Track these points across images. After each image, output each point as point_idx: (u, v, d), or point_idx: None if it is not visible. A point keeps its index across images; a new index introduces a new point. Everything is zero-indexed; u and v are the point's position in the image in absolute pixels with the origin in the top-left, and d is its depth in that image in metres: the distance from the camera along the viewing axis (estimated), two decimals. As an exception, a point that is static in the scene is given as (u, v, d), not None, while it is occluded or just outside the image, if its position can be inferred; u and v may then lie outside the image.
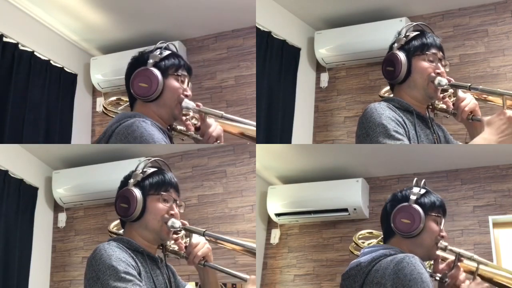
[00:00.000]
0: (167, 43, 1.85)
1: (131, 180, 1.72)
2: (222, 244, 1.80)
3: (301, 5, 3.54)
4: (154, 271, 1.67)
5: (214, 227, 3.51)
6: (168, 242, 1.78)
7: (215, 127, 1.81)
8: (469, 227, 3.38)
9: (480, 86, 1.82)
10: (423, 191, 1.77)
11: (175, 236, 1.75)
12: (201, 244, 1.75)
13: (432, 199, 1.76)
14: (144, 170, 1.74)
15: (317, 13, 3.63)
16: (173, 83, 1.77)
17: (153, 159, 1.79)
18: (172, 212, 1.70)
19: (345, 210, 3.60)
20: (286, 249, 3.88)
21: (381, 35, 3.45)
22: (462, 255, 1.82)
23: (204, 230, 1.76)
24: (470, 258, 1.84)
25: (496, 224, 3.39)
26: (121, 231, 1.94)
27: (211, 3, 3.28)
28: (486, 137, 1.71)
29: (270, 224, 3.94)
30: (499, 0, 3.35)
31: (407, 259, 1.56)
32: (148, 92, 1.73)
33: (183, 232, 1.76)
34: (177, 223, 1.69)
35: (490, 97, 1.83)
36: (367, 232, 2.40)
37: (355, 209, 3.57)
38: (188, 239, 1.77)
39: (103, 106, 2.32)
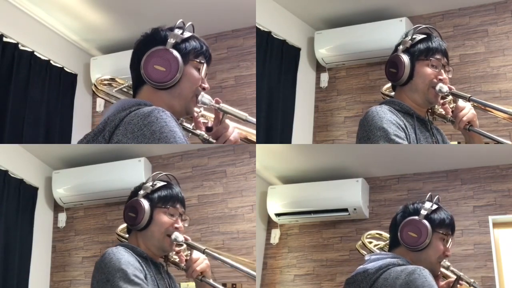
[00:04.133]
0: (189, 23, 1.59)
1: (141, 192, 1.75)
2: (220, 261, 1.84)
3: (301, 5, 3.54)
4: (158, 276, 1.72)
5: (214, 227, 3.51)
6: (170, 253, 1.83)
7: (232, 129, 1.60)
8: (469, 227, 3.38)
9: (480, 100, 1.80)
10: (435, 207, 1.78)
11: (177, 248, 1.80)
12: (200, 259, 1.80)
13: (442, 216, 1.78)
14: (154, 183, 1.77)
15: (317, 13, 3.63)
16: (193, 71, 1.55)
17: (163, 173, 1.82)
18: (176, 225, 1.74)
19: (345, 210, 3.60)
20: (286, 249, 3.88)
21: (381, 35, 3.45)
22: (462, 278, 1.87)
23: (204, 248, 1.81)
24: (469, 284, 1.88)
25: (496, 224, 3.39)
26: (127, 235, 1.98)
27: (211, 3, 3.29)
28: None
29: (270, 224, 3.94)
30: (499, 0, 3.35)
31: (418, 271, 1.58)
32: (164, 78, 1.49)
33: (185, 245, 1.80)
34: (180, 237, 1.73)
35: (489, 109, 1.82)
36: (376, 233, 2.38)
37: (355, 209, 3.57)
38: (189, 252, 1.82)
39: (94, 85, 2.02)
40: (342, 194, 3.60)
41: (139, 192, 1.77)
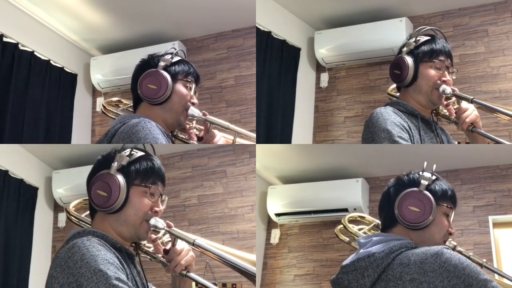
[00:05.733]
0: (178, 50, 1.85)
1: (115, 164, 1.47)
2: (210, 256, 1.54)
3: (301, 5, 3.54)
4: (133, 270, 1.45)
5: (214, 227, 3.51)
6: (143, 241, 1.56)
7: (219, 137, 1.80)
8: (469, 227, 3.38)
9: (483, 102, 1.82)
10: (434, 177, 1.56)
11: (153, 236, 1.53)
12: (185, 251, 1.51)
13: (444, 188, 1.55)
14: (131, 152, 1.50)
15: (317, 13, 3.63)
16: (182, 88, 1.77)
17: (141, 143, 1.56)
18: (156, 209, 1.48)
19: (345, 210, 3.59)
20: (286, 249, 3.88)
21: (381, 35, 3.45)
22: (472, 259, 1.73)
23: (194, 239, 1.52)
24: (481, 265, 1.76)
25: (496, 224, 3.39)
26: (83, 215, 1.79)
27: (211, 3, 3.28)
28: None
29: (270, 224, 3.94)
30: (499, 0, 3.35)
31: (445, 250, 1.35)
32: (156, 95, 1.72)
33: (162, 231, 1.52)
34: (160, 222, 1.46)
35: (492, 110, 1.84)
36: (359, 216, 2.16)
37: (355, 209, 3.56)
38: (163, 238, 1.57)
39: (103, 105, 2.28)
40: (342, 194, 3.60)
41: (112, 164, 1.47)
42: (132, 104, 2.03)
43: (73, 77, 3.73)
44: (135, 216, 1.46)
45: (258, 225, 3.78)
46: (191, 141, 1.83)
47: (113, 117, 2.23)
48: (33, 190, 3.68)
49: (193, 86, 1.80)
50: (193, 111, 1.77)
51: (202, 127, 1.83)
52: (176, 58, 1.80)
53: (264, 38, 3.41)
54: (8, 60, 3.15)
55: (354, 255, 1.47)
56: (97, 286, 1.25)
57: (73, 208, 1.82)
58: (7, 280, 3.33)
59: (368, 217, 2.10)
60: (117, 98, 2.30)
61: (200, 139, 1.82)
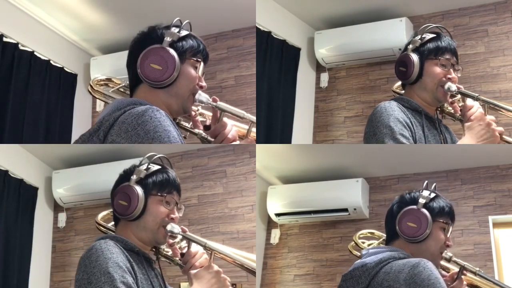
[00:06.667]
0: (186, 22, 1.58)
1: (134, 177, 1.58)
2: (221, 257, 1.66)
3: (301, 5, 3.54)
4: (150, 273, 1.56)
5: (214, 227, 3.51)
6: (162, 246, 1.67)
7: (230, 127, 1.61)
8: (469, 227, 3.38)
9: (488, 99, 1.83)
10: (432, 195, 1.72)
11: (171, 241, 1.64)
12: (199, 254, 1.65)
13: (442, 205, 1.71)
14: (149, 166, 1.60)
15: (317, 13, 3.63)
16: (190, 69, 1.54)
17: (158, 155, 1.63)
18: (172, 216, 1.58)
19: (345, 210, 3.60)
20: (286, 249, 3.88)
21: (381, 35, 3.46)
22: (466, 268, 1.79)
23: (206, 242, 1.64)
24: (474, 273, 1.80)
25: (496, 224, 3.39)
26: (109, 224, 1.85)
27: (211, 3, 3.29)
28: (465, 142, 1.75)
29: (270, 224, 3.94)
30: (499, 0, 3.35)
31: (422, 263, 1.50)
32: (161, 77, 1.48)
33: (179, 237, 1.63)
34: (176, 228, 1.57)
35: (497, 108, 1.84)
36: (369, 232, 2.30)
37: (355, 209, 3.57)
38: (181, 243, 1.68)
39: (90, 85, 1.93)
40: (342, 194, 3.60)
41: (131, 177, 1.59)
42: (124, 85, 1.85)
43: (73, 77, 3.73)
44: (153, 222, 1.56)
45: (258, 225, 3.78)
46: (198, 131, 1.64)
47: (102, 98, 1.94)
48: (33, 190, 3.68)
49: (201, 66, 1.57)
50: (202, 96, 1.55)
51: (208, 113, 1.65)
52: (183, 32, 1.55)
53: (264, 38, 3.41)
54: (8, 60, 3.15)
55: (353, 265, 1.65)
56: (104, 286, 1.38)
57: (101, 219, 1.89)
58: (7, 280, 3.33)
59: (377, 233, 2.23)
60: (106, 77, 1.96)
61: (207, 128, 1.62)
